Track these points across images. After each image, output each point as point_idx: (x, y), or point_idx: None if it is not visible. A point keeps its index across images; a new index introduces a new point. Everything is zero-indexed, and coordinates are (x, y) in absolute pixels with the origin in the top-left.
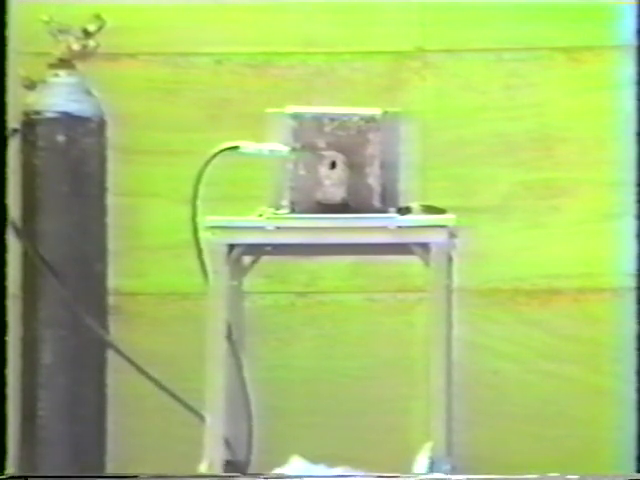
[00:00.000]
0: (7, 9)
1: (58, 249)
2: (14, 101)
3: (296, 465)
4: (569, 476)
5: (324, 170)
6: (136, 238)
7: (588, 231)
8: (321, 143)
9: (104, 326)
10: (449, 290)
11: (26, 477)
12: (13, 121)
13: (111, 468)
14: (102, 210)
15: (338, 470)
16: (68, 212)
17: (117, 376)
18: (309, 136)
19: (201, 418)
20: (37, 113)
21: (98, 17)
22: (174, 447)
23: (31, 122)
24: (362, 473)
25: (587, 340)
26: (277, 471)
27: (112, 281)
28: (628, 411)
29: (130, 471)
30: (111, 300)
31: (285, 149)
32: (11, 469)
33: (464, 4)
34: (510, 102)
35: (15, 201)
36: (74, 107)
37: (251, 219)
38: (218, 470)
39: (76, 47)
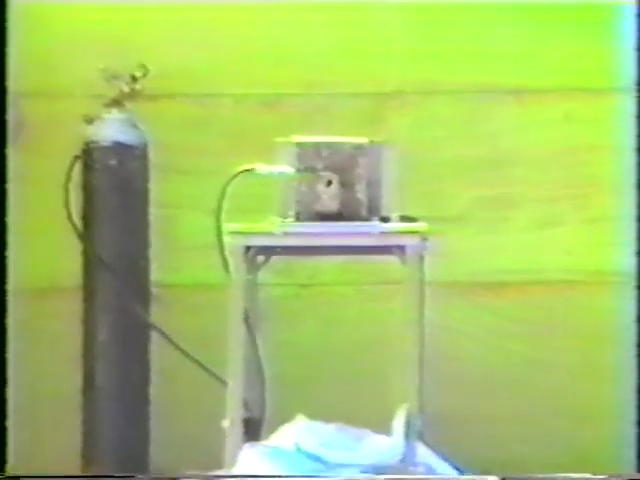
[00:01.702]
0: (7, 9)
1: (111, 249)
2: (77, 134)
3: (299, 422)
4: (570, 475)
5: (322, 187)
6: (172, 241)
7: (531, 236)
8: (319, 165)
9: (147, 311)
10: (421, 282)
11: (25, 477)
12: (76, 149)
13: (154, 422)
14: (145, 219)
15: (333, 425)
16: (119, 220)
17: (157, 351)
18: (310, 160)
19: (224, 384)
20: (94, 142)
21: (143, 66)
22: (203, 408)
23: (89, 150)
24: (354, 428)
25: (529, 322)
26: (284, 427)
27: (153, 275)
28: (562, 378)
29: (167, 424)
30: (153, 290)
31: (291, 170)
32: (10, 470)
33: (435, 53)
34: (470, 133)
35: (77, 212)
36: (123, 137)
37: (263, 226)
38: (238, 425)
39: (125, 90)
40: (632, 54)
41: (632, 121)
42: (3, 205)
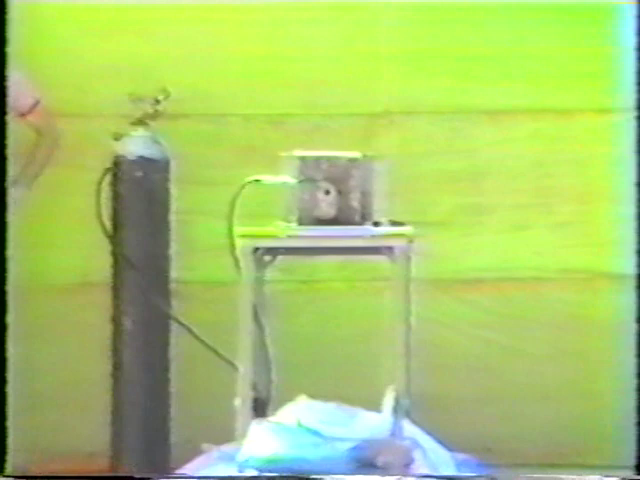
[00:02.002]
0: (7, 11)
1: (136, 250)
2: (107, 149)
3: (301, 401)
4: (570, 476)
5: (321, 195)
6: (190, 243)
7: (504, 238)
8: (318, 177)
9: (168, 304)
10: (408, 280)
11: (24, 477)
12: (106, 163)
13: (174, 401)
14: (166, 223)
15: (330, 404)
16: (143, 225)
17: (177, 339)
18: (310, 172)
19: (235, 368)
20: (122, 157)
21: (165, 89)
22: (217, 389)
23: (118, 163)
24: (349, 406)
25: (503, 314)
26: (288, 405)
27: (173, 273)
28: (532, 364)
29: (185, 403)
30: (172, 286)
31: (293, 181)
32: (10, 469)
33: (419, 79)
34: (450, 148)
35: (107, 217)
36: (148, 152)
37: (270, 230)
38: (248, 404)
39: (149, 111)
40: (632, 54)
41: (594, 137)
42: (3, 206)
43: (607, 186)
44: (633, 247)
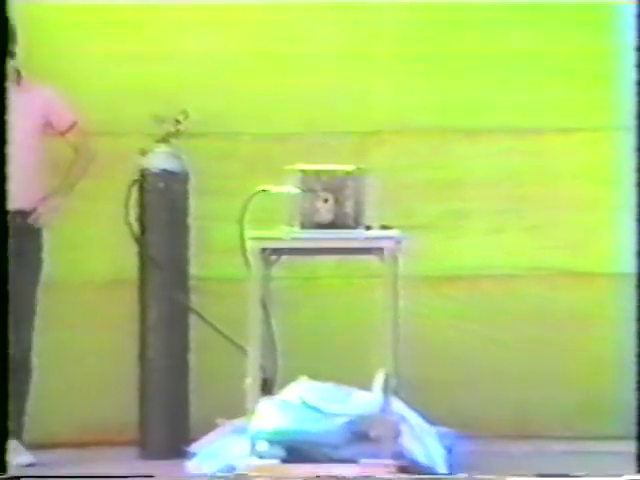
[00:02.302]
0: (7, 11)
1: (159, 251)
2: (134, 163)
3: (303, 381)
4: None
5: (320, 203)
6: (206, 245)
7: (481, 240)
8: (318, 187)
9: (187, 297)
10: (396, 277)
11: (25, 477)
12: (133, 175)
13: (193, 382)
14: (186, 228)
15: (328, 384)
16: (165, 229)
17: (195, 328)
18: (311, 183)
19: (245, 353)
20: (147, 170)
21: (185, 111)
22: (230, 371)
23: (144, 175)
24: (345, 386)
25: (481, 307)
26: (291, 385)
27: (192, 270)
28: (507, 351)
29: (203, 383)
30: (191, 282)
31: (296, 191)
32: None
33: (407, 102)
34: (433, 162)
35: (135, 223)
36: (169, 166)
37: (275, 233)
38: (257, 384)
39: (171, 130)
40: (632, 54)
41: (563, 151)
42: (3, 204)
43: (573, 194)
44: (596, 248)
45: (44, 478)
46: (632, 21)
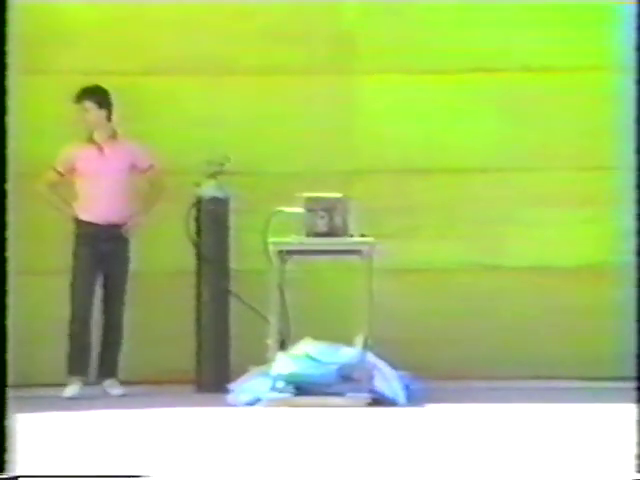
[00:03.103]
0: (7, 10)
1: (210, 252)
2: (192, 192)
3: (307, 341)
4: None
5: (318, 219)
6: (241, 247)
7: (432, 244)
8: (317, 208)
9: (228, 284)
10: (371, 269)
11: (25, 477)
12: (192, 201)
13: (233, 343)
14: (227, 236)
15: (324, 343)
16: (214, 237)
17: (234, 304)
18: (312, 205)
19: (268, 321)
20: (201, 197)
21: (226, 157)
22: (258, 334)
23: (199, 201)
24: (335, 344)
25: (430, 289)
26: (299, 344)
27: (232, 265)
28: (448, 320)
29: (240, 345)
30: (232, 274)
31: (302, 210)
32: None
33: (380, 140)
34: (396, 192)
35: (192, 232)
36: (216, 194)
37: (288, 240)
38: (276, 343)
39: (217, 169)
40: (632, 55)
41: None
42: (3, 206)
43: (504, 214)
44: (523, 243)
45: (44, 478)
46: (632, 21)
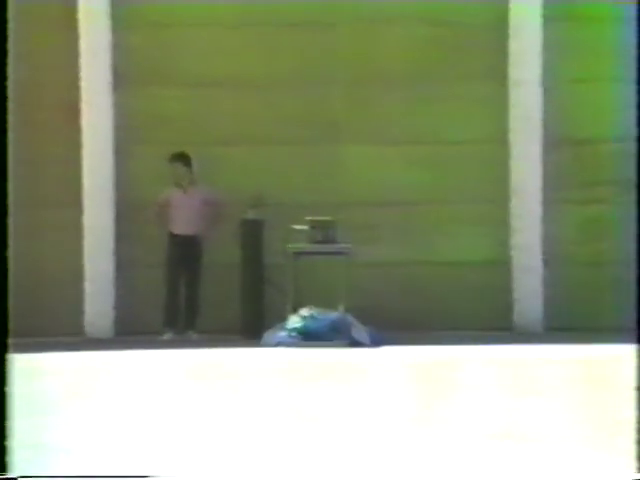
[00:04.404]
0: (7, 11)
1: (251, 251)
2: (241, 217)
3: (309, 308)
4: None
5: (318, 232)
6: (270, 250)
7: (385, 248)
8: (316, 225)
9: (263, 272)
10: (350, 263)
11: (25, 477)
12: (240, 222)
13: (265, 310)
14: (261, 242)
15: (320, 309)
16: (254, 242)
17: (267, 286)
18: (314, 224)
19: (287, 295)
20: (246, 219)
21: (261, 195)
22: (279, 302)
23: (244, 222)
24: (327, 310)
25: (398, 279)
26: (303, 309)
27: (265, 260)
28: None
29: (271, 307)
30: (264, 266)
31: (307, 227)
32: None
33: (355, 185)
34: (362, 219)
35: (239, 241)
36: (255, 217)
37: (299, 245)
38: (290, 307)
39: (255, 203)
40: (632, 55)
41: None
42: (4, 205)
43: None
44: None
45: (44, 478)
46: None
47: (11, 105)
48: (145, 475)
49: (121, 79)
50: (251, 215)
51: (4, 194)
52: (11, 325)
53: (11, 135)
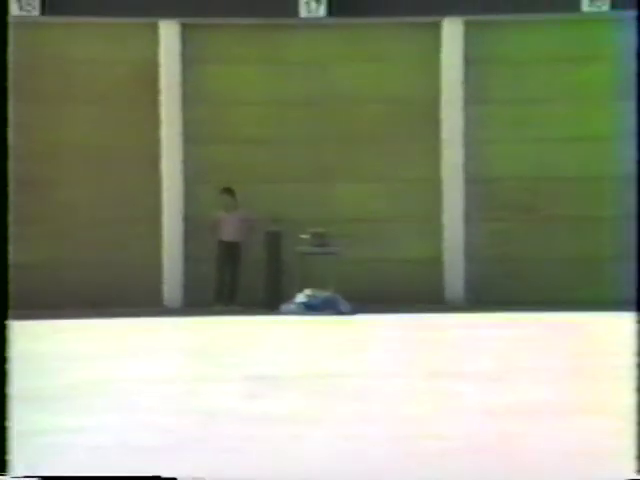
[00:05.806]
0: (7, 12)
1: (274, 252)
2: (265, 230)
3: (310, 290)
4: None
5: (317, 239)
6: (286, 251)
7: (364, 248)
8: (316, 234)
9: (281, 266)
10: (337, 259)
11: (25, 477)
12: (265, 233)
13: (283, 290)
14: (280, 246)
15: (318, 290)
16: (275, 247)
17: (285, 275)
18: (314, 233)
19: (296, 281)
20: (270, 230)
21: (279, 217)
22: (292, 285)
23: (269, 233)
24: (326, 291)
25: (369, 272)
26: (306, 290)
27: (282, 258)
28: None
29: (287, 285)
30: (282, 262)
31: (309, 235)
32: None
33: (344, 207)
34: (353, 232)
35: (265, 247)
36: (276, 229)
37: (304, 248)
38: (297, 288)
39: (276, 220)
40: (633, 54)
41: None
42: (5, 205)
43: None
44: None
45: (44, 478)
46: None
47: (115, 160)
48: (148, 475)
49: (189, 139)
50: (273, 228)
51: (4, 196)
52: (121, 299)
53: (116, 177)
